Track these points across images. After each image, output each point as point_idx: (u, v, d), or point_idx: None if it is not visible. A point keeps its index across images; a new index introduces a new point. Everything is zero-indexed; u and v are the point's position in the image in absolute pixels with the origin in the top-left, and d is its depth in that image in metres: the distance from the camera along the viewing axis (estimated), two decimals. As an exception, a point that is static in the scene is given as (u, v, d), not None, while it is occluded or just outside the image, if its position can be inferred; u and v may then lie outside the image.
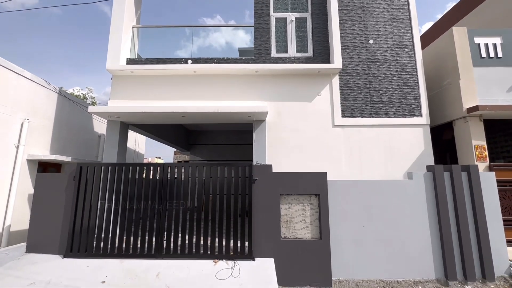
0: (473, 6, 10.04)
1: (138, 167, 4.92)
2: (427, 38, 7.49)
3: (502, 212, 5.59)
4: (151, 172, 4.97)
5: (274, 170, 4.89)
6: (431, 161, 6.07)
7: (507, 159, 9.02)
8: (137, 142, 12.50)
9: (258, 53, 6.64)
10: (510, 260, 4.74)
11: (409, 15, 6.71)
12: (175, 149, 13.16)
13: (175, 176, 4.97)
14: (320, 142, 6.26)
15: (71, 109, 8.07)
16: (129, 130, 6.90)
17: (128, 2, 6.83)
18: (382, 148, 6.21)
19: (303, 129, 6.32)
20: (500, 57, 6.23)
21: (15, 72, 6.28)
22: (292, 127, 6.33)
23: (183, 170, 4.91)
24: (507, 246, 5.46)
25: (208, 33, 8.19)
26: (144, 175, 4.89)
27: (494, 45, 6.28)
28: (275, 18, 6.91)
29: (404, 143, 6.21)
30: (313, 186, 4.85)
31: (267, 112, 5.68)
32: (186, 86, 6.49)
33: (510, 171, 5.67)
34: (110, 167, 4.92)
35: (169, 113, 5.82)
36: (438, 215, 4.74)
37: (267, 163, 6.12)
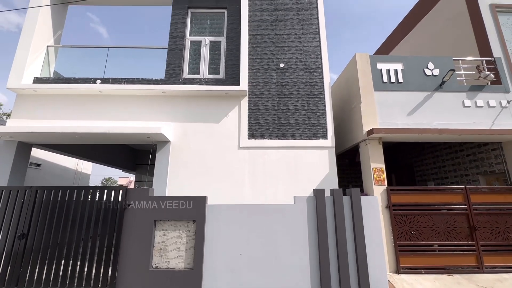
0: (404, 34, 10.65)
1: None
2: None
3: (398, 238, 5.50)
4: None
5: (178, 193, 4.77)
6: (335, 183, 6.00)
7: (436, 180, 9.14)
8: (79, 161, 12.03)
9: (169, 74, 6.65)
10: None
11: (319, 40, 6.95)
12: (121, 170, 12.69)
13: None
14: (225, 164, 6.14)
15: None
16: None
17: (43, 22, 6.85)
18: (287, 170, 6.13)
19: (209, 151, 6.21)
20: (401, 82, 6.43)
21: None
22: (198, 149, 6.22)
23: (44, 194, 4.62)
24: (404, 273, 5.35)
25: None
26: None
27: (396, 71, 6.50)
28: (190, 41, 7.03)
29: (309, 165, 6.16)
30: (191, 211, 4.64)
31: (161, 133, 5.55)
32: (91, 106, 6.36)
33: (406, 195, 5.63)
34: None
35: (64, 134, 5.62)
36: (318, 240, 4.57)
37: (169, 185, 5.93)
